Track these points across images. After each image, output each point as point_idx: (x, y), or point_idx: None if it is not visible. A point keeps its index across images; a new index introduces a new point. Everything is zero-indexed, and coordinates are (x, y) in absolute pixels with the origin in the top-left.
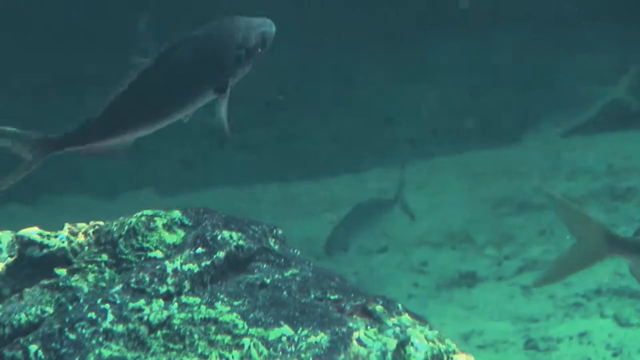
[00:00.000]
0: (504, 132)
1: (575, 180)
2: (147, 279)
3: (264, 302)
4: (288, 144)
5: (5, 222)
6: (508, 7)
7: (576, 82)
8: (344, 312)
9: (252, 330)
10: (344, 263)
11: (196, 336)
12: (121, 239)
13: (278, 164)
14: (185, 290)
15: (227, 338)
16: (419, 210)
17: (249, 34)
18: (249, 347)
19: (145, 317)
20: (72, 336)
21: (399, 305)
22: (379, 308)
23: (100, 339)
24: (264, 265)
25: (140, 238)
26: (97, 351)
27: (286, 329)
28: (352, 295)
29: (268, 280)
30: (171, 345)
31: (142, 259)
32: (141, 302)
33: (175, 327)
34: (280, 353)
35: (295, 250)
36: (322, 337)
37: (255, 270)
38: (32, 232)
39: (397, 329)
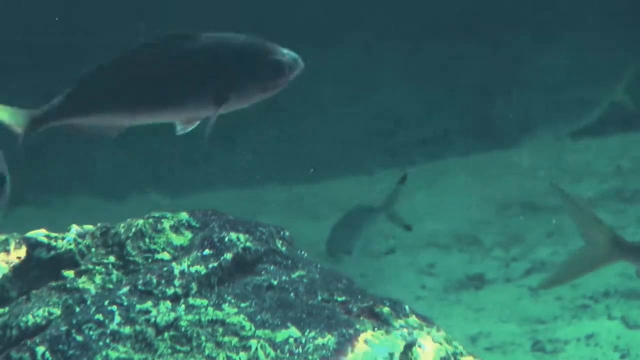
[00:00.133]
0: (510, 134)
1: (582, 182)
2: (155, 280)
3: (271, 303)
4: (290, 144)
5: (14, 224)
6: (508, 9)
7: (580, 84)
8: (351, 314)
9: (259, 332)
10: (351, 265)
11: (203, 338)
12: (128, 241)
13: (280, 164)
14: (193, 292)
15: (235, 340)
16: (425, 212)
17: (267, 59)
18: (256, 348)
19: (153, 319)
20: (80, 338)
21: (406, 307)
22: (386, 310)
23: (108, 340)
24: (271, 267)
25: (147, 240)
26: (104, 353)
27: (293, 331)
28: (359, 297)
29: (275, 282)
30: (178, 347)
31: (150, 260)
32: (148, 303)
33: (183, 329)
34: (288, 355)
35: (303, 252)
36: (329, 339)
37: (263, 272)
38: (39, 233)
39: (405, 331)
